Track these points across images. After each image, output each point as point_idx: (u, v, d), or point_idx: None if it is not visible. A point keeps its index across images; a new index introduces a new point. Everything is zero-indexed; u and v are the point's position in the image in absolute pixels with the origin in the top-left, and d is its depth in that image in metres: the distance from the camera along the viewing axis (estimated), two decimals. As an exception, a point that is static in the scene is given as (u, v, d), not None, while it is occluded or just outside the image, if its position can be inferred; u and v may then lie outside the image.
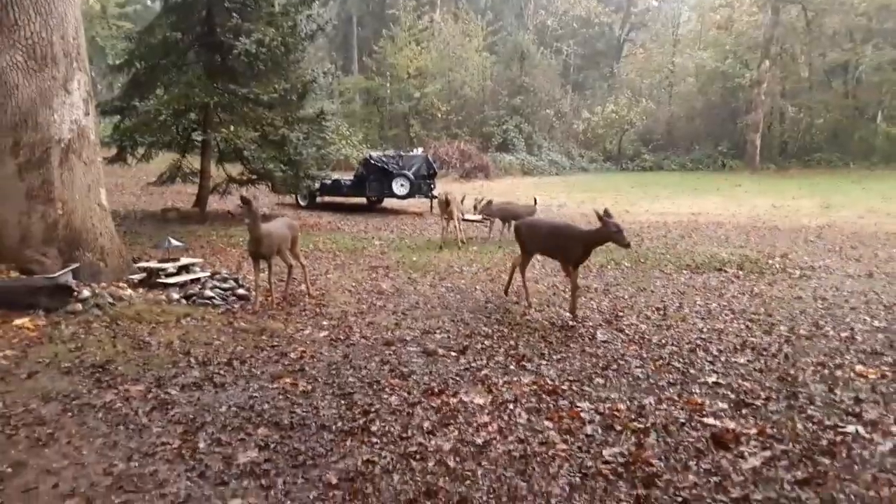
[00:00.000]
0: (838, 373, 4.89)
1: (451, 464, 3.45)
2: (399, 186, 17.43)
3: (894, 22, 31.97)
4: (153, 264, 7.52)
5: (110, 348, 5.26)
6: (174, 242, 7.81)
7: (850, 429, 3.83)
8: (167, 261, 7.60)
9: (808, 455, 3.52)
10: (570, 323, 6.35)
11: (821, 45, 35.44)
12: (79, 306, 6.14)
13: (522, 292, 7.32)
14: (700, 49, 39.04)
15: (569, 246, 6.47)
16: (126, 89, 13.92)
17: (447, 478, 3.31)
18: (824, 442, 3.68)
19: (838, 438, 3.72)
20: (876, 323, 6.32)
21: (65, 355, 5.05)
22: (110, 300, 6.37)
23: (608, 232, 6.02)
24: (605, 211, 6.11)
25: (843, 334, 5.93)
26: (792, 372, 4.91)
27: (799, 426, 3.90)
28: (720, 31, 38.40)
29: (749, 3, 35.82)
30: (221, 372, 4.86)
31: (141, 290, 7.03)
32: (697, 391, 4.53)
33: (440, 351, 5.41)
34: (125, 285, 6.99)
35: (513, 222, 12.50)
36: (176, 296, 6.86)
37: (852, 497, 3.09)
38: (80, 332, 5.62)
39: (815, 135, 36.58)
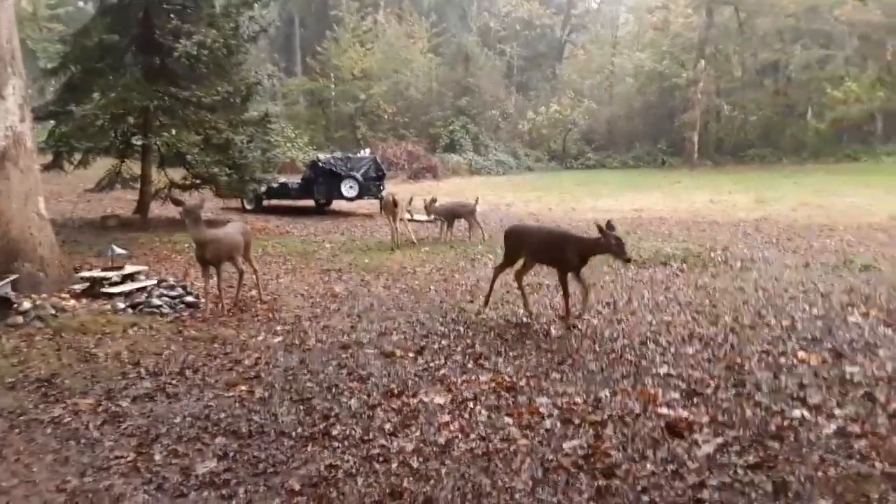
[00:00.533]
0: (782, 360, 5.10)
1: (415, 464, 3.46)
2: (348, 188, 17.31)
3: (821, 22, 33.45)
4: (96, 273, 7.29)
5: (55, 361, 5.09)
6: (117, 250, 7.59)
7: (796, 413, 4.00)
8: (111, 269, 7.38)
9: (758, 440, 3.66)
10: (573, 328, 6.08)
11: (752, 46, 36.80)
12: (19, 319, 5.91)
13: (501, 299, 7.03)
14: (638, 50, 39.99)
15: (565, 254, 6.18)
16: (60, 93, 13.43)
17: (411, 478, 3.32)
18: (773, 427, 3.83)
19: (785, 423, 3.88)
20: (814, 311, 6.60)
21: (7, 370, 4.86)
22: (52, 312, 6.15)
23: (607, 244, 5.84)
24: (608, 223, 5.93)
25: (785, 323, 6.18)
26: (738, 360, 5.09)
27: (748, 412, 4.05)
28: (657, 32, 39.41)
29: (684, 5, 36.88)
30: (174, 382, 4.75)
31: (84, 300, 6.81)
32: (650, 382, 4.65)
33: (398, 352, 5.41)
34: (67, 296, 6.76)
35: (456, 221, 12.67)
36: (122, 305, 6.67)
37: (802, 479, 3.23)
38: (23, 346, 5.42)
39: (749, 132, 37.93)
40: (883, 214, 14.64)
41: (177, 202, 6.36)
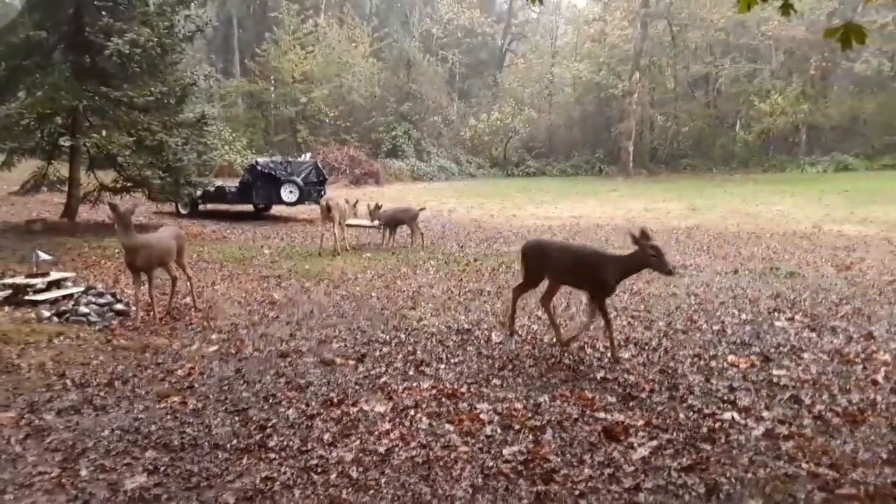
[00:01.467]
0: (713, 363, 5.27)
1: (354, 474, 3.42)
2: (288, 193, 17.04)
3: (749, 37, 34.86)
4: (19, 280, 6.94)
5: (-28, 374, 4.80)
6: (42, 256, 7.24)
7: (727, 416, 4.14)
8: (35, 276, 7.03)
9: (691, 442, 3.77)
10: (613, 364, 5.29)
11: (685, 59, 38.13)
12: (-68, 329, 5.55)
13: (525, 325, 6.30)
14: (576, 61, 40.85)
15: (597, 275, 5.32)
16: (-17, 92, 12.74)
17: (350, 489, 3.28)
18: (705, 429, 3.96)
19: (717, 425, 4.01)
20: (743, 316, 6.85)
21: (-82, 383, 4.56)
22: (-30, 321, 5.81)
23: (644, 257, 5.00)
24: (643, 232, 5.02)
25: (715, 327, 6.39)
26: (672, 364, 5.24)
27: (681, 415, 4.17)
28: (594, 43, 40.37)
29: (620, 18, 37.86)
30: (102, 394, 4.56)
31: (7, 308, 6.46)
32: (588, 387, 4.74)
33: (338, 360, 5.35)
34: (-14, 304, 6.40)
35: (402, 227, 12.61)
36: (46, 314, 6.36)
37: (733, 480, 3.33)
38: (-64, 358, 5.09)
39: (682, 142, 39.20)
40: (807, 223, 15.36)
41: (112, 207, 6.11)
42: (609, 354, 5.45)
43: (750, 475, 3.39)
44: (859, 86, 33.75)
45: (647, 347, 5.73)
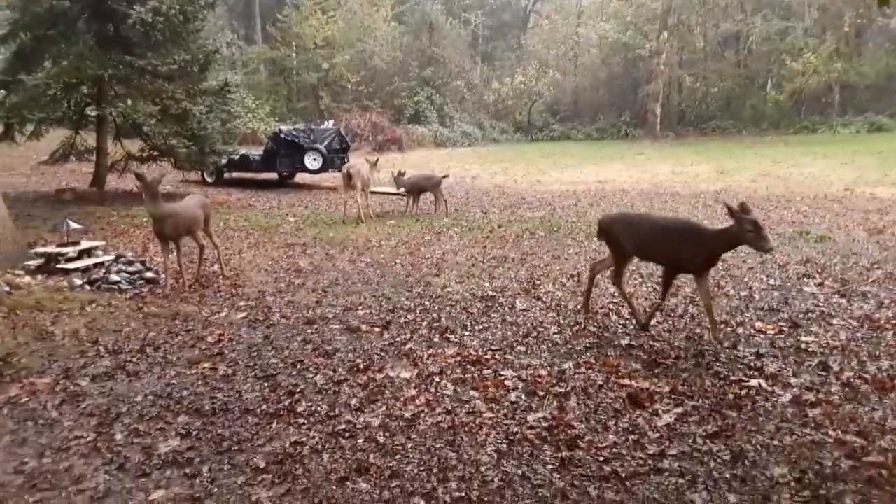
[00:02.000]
0: (740, 330, 5.22)
1: (381, 439, 3.47)
2: (311, 161, 17.06)
3: (781, -6, 33.83)
4: (51, 249, 7.08)
5: (11, 340, 4.94)
6: (73, 225, 7.37)
7: (754, 383, 4.11)
8: (66, 245, 7.16)
9: (717, 409, 3.76)
10: (712, 341, 4.93)
11: (714, 17, 37.02)
12: (-30, 297, 5.71)
13: (626, 307, 5.64)
14: (603, 20, 39.96)
15: (687, 250, 4.87)
16: (11, 62, 12.87)
17: (377, 453, 3.33)
18: (731, 396, 3.94)
19: (743, 392, 3.99)
20: (771, 281, 6.76)
21: (-41, 350, 4.71)
22: (7, 289, 5.95)
23: (741, 231, 4.54)
24: (742, 205, 4.65)
25: (743, 293, 6.33)
26: (698, 331, 5.21)
27: (707, 382, 4.15)
28: (621, 2, 39.39)
29: (648, -25, 36.90)
30: (134, 360, 4.67)
31: (40, 276, 6.61)
32: (612, 354, 4.73)
33: (363, 327, 5.40)
34: (22, 272, 6.56)
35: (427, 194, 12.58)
36: (79, 282, 6.50)
37: (759, 447, 3.32)
38: (-25, 325, 5.24)
39: (711, 103, 38.36)
40: (839, 185, 15.02)
41: (139, 176, 6.17)
42: (708, 334, 5.06)
43: (776, 442, 3.38)
44: (895, 43, 32.57)
45: (672, 314, 5.70)
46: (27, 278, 6.44)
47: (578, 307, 5.92)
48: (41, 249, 7.19)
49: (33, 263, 6.87)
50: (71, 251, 7.02)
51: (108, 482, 3.08)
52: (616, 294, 6.34)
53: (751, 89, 37.30)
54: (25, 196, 13.42)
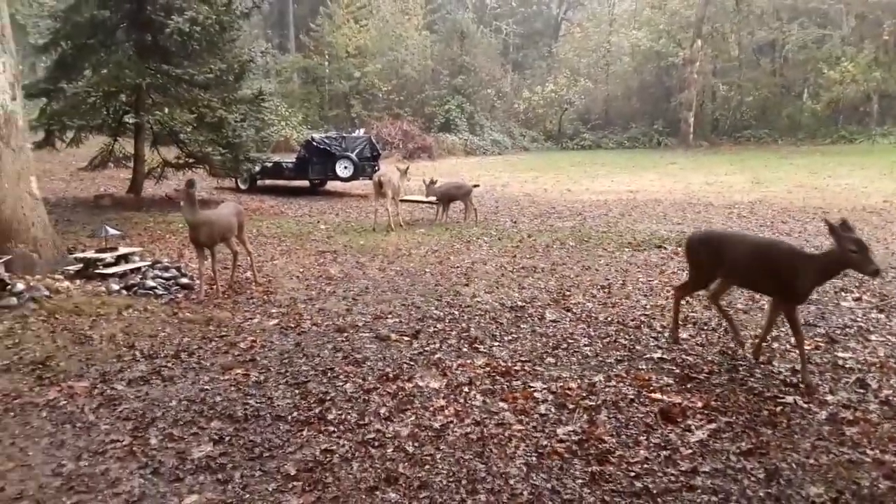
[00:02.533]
0: (775, 345, 5.13)
1: (410, 449, 3.48)
2: (343, 169, 17.21)
3: (818, 1, 33.23)
4: (90, 254, 7.25)
5: (50, 343, 5.07)
6: (111, 231, 7.53)
7: (789, 399, 4.03)
8: (104, 250, 7.33)
9: (751, 426, 3.69)
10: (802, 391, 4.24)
11: (749, 24, 36.57)
12: (13, 300, 5.87)
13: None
14: (635, 28, 39.75)
15: (788, 275, 4.37)
16: (52, 70, 13.28)
17: (407, 463, 3.34)
18: (765, 413, 3.87)
19: (778, 409, 3.91)
20: (807, 295, 6.62)
21: (2, 352, 4.85)
22: (46, 293, 6.11)
23: (843, 254, 4.10)
24: (843, 223, 4.17)
25: (778, 307, 6.20)
26: (732, 345, 5.12)
27: (741, 398, 4.08)
28: (654, 10, 39.18)
29: (682, -17, 36.62)
30: (169, 365, 4.75)
31: (78, 281, 6.76)
32: (644, 367, 4.68)
33: (393, 336, 5.42)
34: (61, 277, 6.72)
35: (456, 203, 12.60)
36: (116, 287, 6.64)
37: (794, 465, 3.26)
38: (17, 328, 5.39)
39: (745, 112, 37.86)
40: (877, 196, 14.68)
41: (190, 183, 6.30)
42: (746, 350, 4.87)
43: (812, 461, 3.31)
44: (938, 51, 31.83)
45: (706, 327, 5.62)
46: (66, 283, 6.59)
47: (608, 318, 5.86)
48: (80, 255, 7.36)
49: (72, 268, 7.04)
50: (109, 257, 7.18)
51: (143, 486, 3.13)
52: (647, 306, 6.30)
53: (787, 98, 36.76)
54: (65, 202, 13.77)
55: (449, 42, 38.15)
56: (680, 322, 5.39)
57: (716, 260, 4.79)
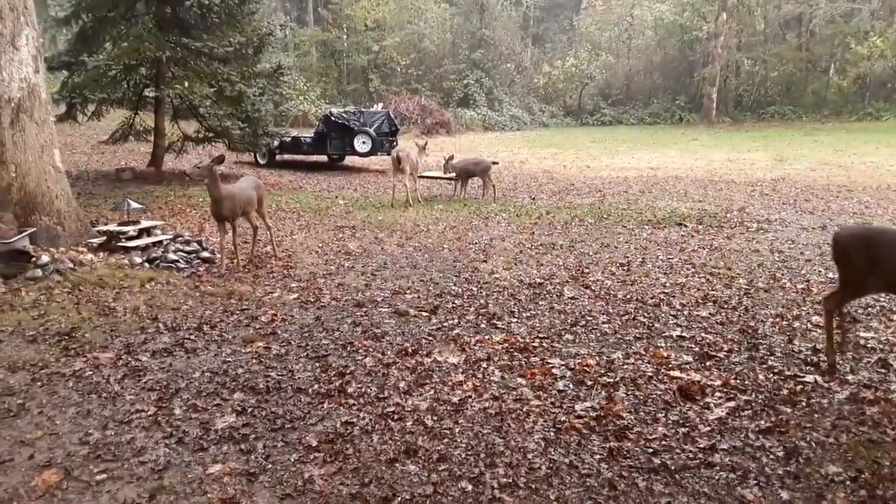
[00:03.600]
0: (796, 324, 5.09)
1: (429, 423, 3.52)
2: (361, 144, 17.19)
3: (848, -25, 32.41)
4: (113, 227, 7.33)
5: (75, 315, 5.16)
6: (133, 204, 7.61)
7: (809, 378, 4.01)
8: (127, 223, 7.41)
9: (771, 405, 3.69)
10: None
11: (776, -2, 35.79)
12: (38, 272, 5.97)
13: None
14: (659, 1, 38.99)
15: None
16: (73, 43, 13.33)
17: (426, 436, 3.38)
18: (785, 392, 3.85)
19: (798, 388, 3.90)
20: (830, 274, 6.56)
21: (28, 323, 4.94)
22: (71, 265, 6.21)
23: None
24: None
25: (800, 286, 6.16)
26: (752, 324, 5.09)
27: (760, 377, 4.07)
28: (679, -18, 38.37)
29: (707, -45, 35.78)
30: (192, 337, 4.82)
31: (101, 254, 6.86)
32: (663, 345, 4.67)
33: (411, 311, 5.45)
34: (85, 250, 6.82)
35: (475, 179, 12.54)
36: (138, 260, 6.73)
37: (813, 444, 3.25)
38: (42, 299, 5.49)
39: (770, 88, 37.20)
40: (904, 175, 14.42)
41: (219, 159, 6.37)
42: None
43: (832, 440, 3.30)
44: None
45: (726, 306, 5.59)
46: (90, 255, 6.69)
47: (627, 296, 5.85)
48: (103, 227, 7.45)
49: (95, 241, 7.13)
50: (131, 230, 7.26)
51: (168, 455, 3.20)
52: (667, 284, 6.26)
53: (812, 74, 36.05)
54: (87, 175, 13.91)
55: (468, 15, 37.73)
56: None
57: (872, 262, 3.90)
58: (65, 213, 7.04)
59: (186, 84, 13.29)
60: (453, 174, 12.39)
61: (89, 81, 12.49)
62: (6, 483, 2.94)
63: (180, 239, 7.47)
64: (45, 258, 6.17)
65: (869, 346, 4.61)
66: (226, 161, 16.34)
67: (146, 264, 6.69)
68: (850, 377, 4.05)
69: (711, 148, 22.60)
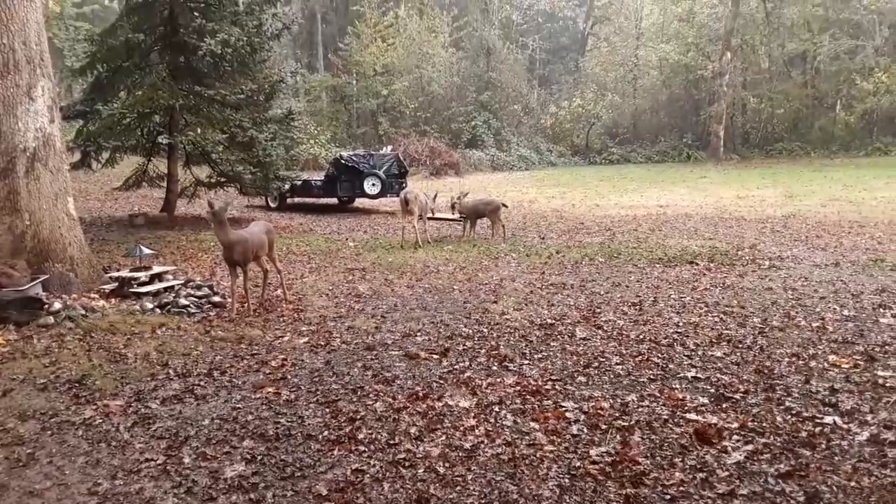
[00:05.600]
0: (812, 363, 5.01)
1: (441, 469, 3.46)
2: (370, 186, 17.34)
3: (850, 12, 32.79)
4: (125, 273, 7.38)
5: (86, 362, 5.15)
6: (145, 250, 7.67)
7: (828, 420, 3.93)
8: (139, 269, 7.46)
9: (790, 447, 3.60)
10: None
11: (780, 36, 36.18)
12: (50, 319, 6.00)
13: None
14: (663, 42, 39.53)
15: None
16: (88, 93, 13.66)
17: (438, 484, 3.32)
18: (804, 434, 3.77)
19: (817, 430, 3.82)
20: (845, 312, 6.48)
21: (39, 371, 4.94)
22: (82, 312, 6.23)
23: None
24: None
25: (815, 324, 6.07)
26: (768, 364, 5.02)
27: (778, 419, 3.99)
28: (682, 23, 38.91)
29: (709, -4, 36.42)
30: (202, 383, 4.80)
31: (113, 300, 6.89)
32: (678, 386, 4.60)
33: (422, 354, 5.41)
34: (97, 296, 6.85)
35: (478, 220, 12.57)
36: (150, 305, 6.74)
37: (835, 488, 3.17)
38: (54, 346, 5.50)
39: (776, 125, 37.37)
40: (915, 210, 14.34)
41: (210, 205, 6.40)
42: None
43: (853, 483, 3.22)
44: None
45: (740, 345, 5.51)
46: (101, 301, 6.73)
47: (640, 336, 5.79)
48: (115, 273, 7.50)
49: (107, 287, 7.17)
50: (143, 276, 7.30)
51: (177, 505, 3.16)
52: (680, 323, 6.20)
53: (819, 110, 36.21)
54: (100, 221, 14.08)
55: (475, 59, 38.36)
56: (714, 340, 5.12)
57: None
58: (77, 260, 7.11)
59: (199, 131, 13.54)
60: (461, 214, 12.43)
61: (104, 129, 12.75)
62: (13, 536, 2.90)
63: (192, 284, 7.50)
64: (57, 305, 6.20)
65: (888, 385, 4.51)
66: (238, 205, 16.58)
67: (157, 310, 6.70)
68: (869, 417, 3.97)
69: (720, 185, 22.62)
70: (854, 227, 12.56)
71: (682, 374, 4.83)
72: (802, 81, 36.49)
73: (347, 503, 3.15)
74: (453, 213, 12.61)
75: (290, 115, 15.01)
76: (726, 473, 3.35)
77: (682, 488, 3.22)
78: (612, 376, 4.84)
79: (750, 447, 3.62)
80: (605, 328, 6.13)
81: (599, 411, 4.16)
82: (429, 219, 12.52)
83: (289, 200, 17.95)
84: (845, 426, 3.87)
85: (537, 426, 3.97)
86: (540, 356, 5.33)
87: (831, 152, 32.67)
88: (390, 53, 37.77)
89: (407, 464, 3.53)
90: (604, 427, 3.93)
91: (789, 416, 4.03)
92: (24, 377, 4.81)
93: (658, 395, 4.43)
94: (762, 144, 36.36)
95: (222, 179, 14.43)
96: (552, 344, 5.67)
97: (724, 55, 33.89)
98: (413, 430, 3.95)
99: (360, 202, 18.88)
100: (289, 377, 4.92)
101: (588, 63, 44.99)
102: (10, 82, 6.51)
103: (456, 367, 5.10)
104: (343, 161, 17.57)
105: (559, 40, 48.88)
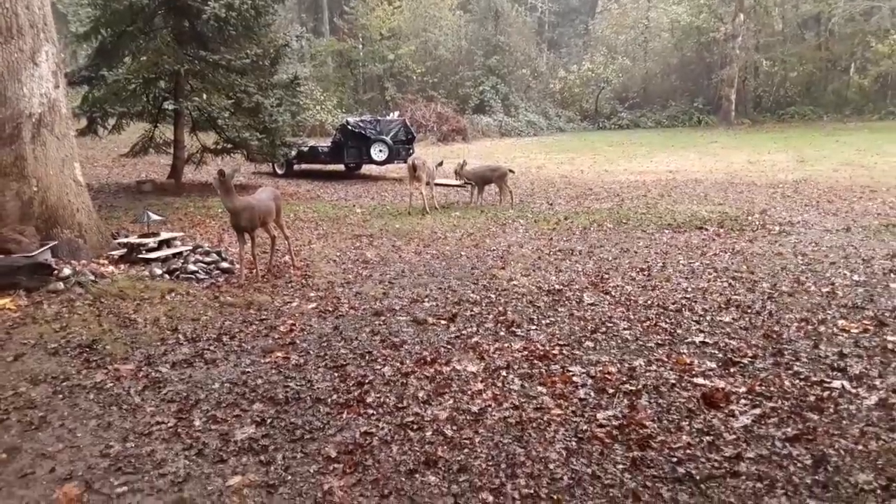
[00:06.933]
0: (822, 328, 4.99)
1: (449, 432, 3.48)
2: (377, 152, 17.23)
3: (867, -28, 32.00)
4: (133, 239, 7.40)
5: (96, 327, 5.19)
6: (153, 216, 7.68)
7: (837, 384, 3.92)
8: (147, 235, 7.48)
9: (797, 411, 3.60)
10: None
11: (794, -3, 35.44)
12: (60, 285, 6.03)
13: None
14: (675, 3, 38.77)
15: None
16: (93, 58, 13.51)
17: (445, 447, 3.34)
18: (812, 398, 3.77)
19: (825, 394, 3.81)
20: (855, 277, 6.43)
21: (50, 335, 4.98)
22: (92, 278, 6.26)
23: None
24: None
25: (825, 289, 6.04)
26: (776, 329, 5.00)
27: (786, 383, 3.98)
28: (695, -16, 38.15)
29: (723, -44, 35.56)
30: (211, 348, 4.83)
31: (122, 266, 6.92)
32: (686, 351, 4.60)
33: (430, 319, 5.42)
34: (106, 262, 6.88)
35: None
36: (158, 271, 6.77)
37: (842, 452, 3.17)
38: (64, 312, 5.53)
39: (789, 88, 36.79)
40: (929, 175, 14.16)
41: (220, 173, 6.37)
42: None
43: (861, 447, 3.22)
44: None
45: (749, 310, 5.49)
46: (111, 267, 6.76)
47: (648, 302, 5.78)
48: (124, 240, 7.52)
49: (116, 253, 7.20)
50: (151, 241, 7.32)
51: (188, 467, 3.19)
52: (688, 289, 6.18)
53: (832, 73, 35.63)
54: (108, 187, 14.08)
55: (483, 22, 37.77)
56: (723, 305, 5.06)
57: None
58: (86, 226, 7.11)
59: (205, 96, 13.44)
60: (464, 181, 12.36)
61: (109, 95, 12.66)
62: (28, 496, 2.95)
63: (200, 250, 7.51)
64: (66, 271, 6.23)
65: (898, 350, 4.50)
66: (244, 172, 16.54)
67: (166, 276, 6.73)
68: (877, 382, 3.96)
69: (731, 150, 22.38)
70: (866, 192, 12.42)
71: (690, 339, 4.82)
72: (816, 44, 35.82)
73: (356, 465, 3.18)
74: (456, 179, 12.52)
75: (296, 81, 14.85)
76: (733, 437, 3.36)
77: (688, 451, 3.23)
78: (619, 341, 4.84)
79: (757, 411, 3.63)
80: (613, 294, 6.11)
81: (607, 376, 4.17)
82: (436, 184, 12.46)
83: (295, 167, 17.89)
84: (853, 390, 3.86)
85: (545, 390, 3.98)
86: (547, 321, 5.33)
87: (844, 116, 32.22)
88: (397, 16, 37.24)
89: (415, 426, 3.55)
90: (611, 391, 3.94)
91: (797, 381, 4.02)
92: (35, 342, 4.85)
93: (666, 359, 4.43)
94: (774, 108, 35.88)
95: (229, 146, 14.36)
96: (560, 309, 5.66)
97: (737, 17, 33.27)
98: (421, 393, 3.97)
99: (366, 168, 18.79)
100: (297, 342, 4.95)
101: (598, 25, 44.24)
102: (13, 47, 6.44)
103: (463, 332, 5.11)
104: (350, 127, 17.43)
105: (569, 2, 48.04)
